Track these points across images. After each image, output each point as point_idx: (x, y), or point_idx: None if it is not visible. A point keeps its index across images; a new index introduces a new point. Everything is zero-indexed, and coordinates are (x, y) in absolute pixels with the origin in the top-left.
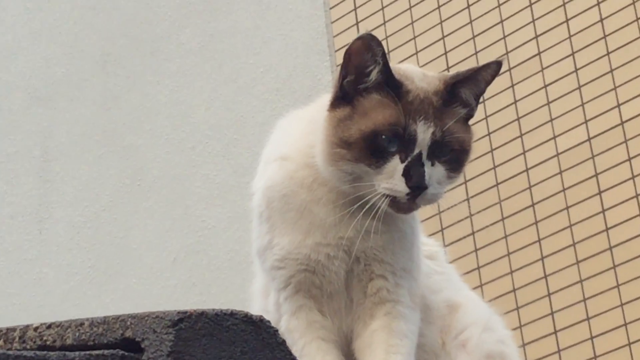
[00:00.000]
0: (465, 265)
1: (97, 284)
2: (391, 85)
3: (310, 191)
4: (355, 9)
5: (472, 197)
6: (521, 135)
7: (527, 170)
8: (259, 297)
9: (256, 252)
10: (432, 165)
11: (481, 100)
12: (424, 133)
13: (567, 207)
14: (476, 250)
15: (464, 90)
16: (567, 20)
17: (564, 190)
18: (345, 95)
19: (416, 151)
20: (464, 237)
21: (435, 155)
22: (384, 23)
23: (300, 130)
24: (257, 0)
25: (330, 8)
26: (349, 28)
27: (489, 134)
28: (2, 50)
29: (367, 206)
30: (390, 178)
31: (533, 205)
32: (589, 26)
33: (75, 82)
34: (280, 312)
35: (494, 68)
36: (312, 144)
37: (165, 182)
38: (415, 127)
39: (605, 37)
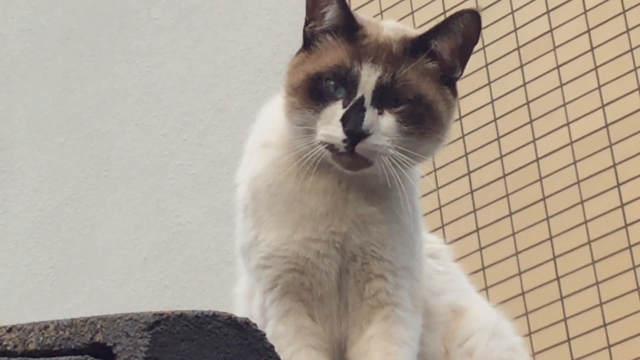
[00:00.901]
0: (469, 266)
1: (59, 286)
2: (348, 28)
3: (298, 179)
4: None
5: (475, 190)
6: (531, 122)
7: (537, 160)
8: (243, 300)
9: (240, 250)
10: (380, 114)
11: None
12: (368, 76)
13: (582, 201)
14: (481, 249)
15: (434, 42)
16: None
17: (578, 182)
18: (306, 42)
19: (358, 95)
20: (468, 235)
21: (384, 103)
22: None
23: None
24: None
25: None
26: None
27: (495, 120)
28: None
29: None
30: (329, 124)
31: (544, 199)
32: (606, 0)
33: (34, 60)
34: (265, 316)
35: (467, 17)
36: None
37: (135, 173)
38: (359, 69)
39: (624, 12)
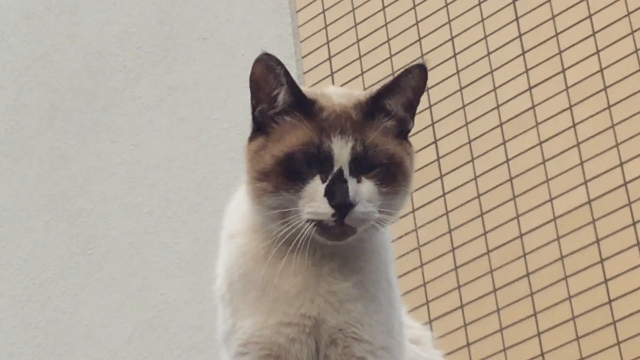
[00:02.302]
0: (454, 342)
1: None
2: (303, 105)
3: (268, 264)
4: (330, 63)
5: (460, 266)
6: (514, 198)
7: (521, 236)
8: None
9: (222, 338)
10: (359, 182)
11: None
12: (341, 148)
13: (566, 277)
14: (465, 325)
15: (388, 102)
16: (563, 71)
17: (562, 257)
18: (260, 126)
19: (336, 168)
20: (452, 311)
21: (360, 171)
22: (355, 26)
23: (247, 201)
24: (222, 48)
25: (303, 57)
26: (322, 80)
27: (478, 196)
28: None
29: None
30: (313, 201)
31: (528, 274)
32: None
33: (18, 139)
34: None
35: (417, 73)
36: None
37: (120, 251)
38: (330, 144)
39: (605, 89)
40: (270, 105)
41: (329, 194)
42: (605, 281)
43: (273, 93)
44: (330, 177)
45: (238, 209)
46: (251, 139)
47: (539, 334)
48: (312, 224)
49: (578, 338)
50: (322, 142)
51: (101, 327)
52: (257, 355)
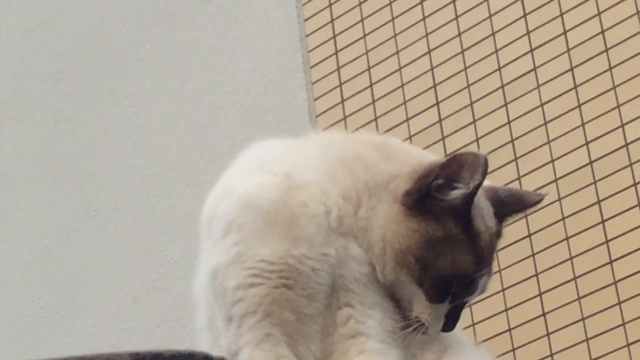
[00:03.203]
0: None
1: (49, 325)
2: (465, 214)
3: (305, 213)
4: (332, 21)
5: None
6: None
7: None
8: (205, 330)
9: (211, 272)
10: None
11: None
12: (482, 285)
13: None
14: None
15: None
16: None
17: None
18: (425, 200)
19: (467, 298)
20: None
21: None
22: (364, 36)
23: (321, 154)
24: (225, 12)
25: (305, 20)
26: (325, 42)
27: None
28: None
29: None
30: (431, 313)
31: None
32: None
33: (22, 102)
34: (239, 343)
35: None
36: (335, 176)
37: (124, 213)
38: (480, 280)
39: (607, 50)
40: (444, 188)
41: (448, 316)
42: (607, 242)
43: (455, 183)
44: (456, 303)
45: (308, 149)
46: (409, 204)
47: (540, 294)
48: (418, 322)
49: (579, 298)
50: (476, 278)
51: (106, 288)
52: (272, 284)
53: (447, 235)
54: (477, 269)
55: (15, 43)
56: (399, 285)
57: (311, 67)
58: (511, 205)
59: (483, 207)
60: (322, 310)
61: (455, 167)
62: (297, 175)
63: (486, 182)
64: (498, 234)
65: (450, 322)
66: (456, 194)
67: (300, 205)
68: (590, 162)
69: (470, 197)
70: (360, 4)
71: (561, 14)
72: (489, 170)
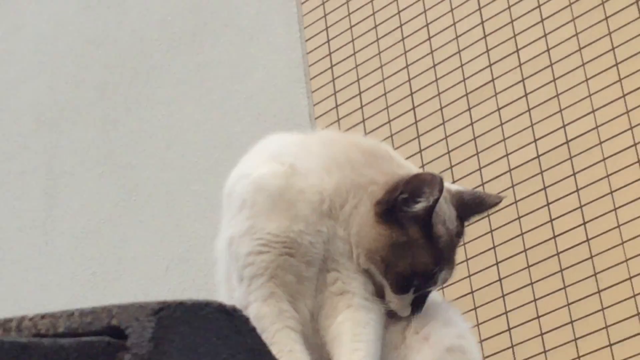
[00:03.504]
0: None
1: (98, 289)
2: (426, 223)
3: (304, 198)
4: (328, 41)
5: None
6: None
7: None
8: (223, 284)
9: (228, 239)
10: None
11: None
12: (442, 278)
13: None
14: None
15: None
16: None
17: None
18: (394, 210)
19: (429, 289)
20: None
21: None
22: (354, 54)
23: (319, 152)
24: (241, 34)
25: (306, 40)
26: (322, 59)
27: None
28: (13, 79)
29: None
30: (398, 302)
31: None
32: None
33: (77, 108)
34: (248, 299)
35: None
36: (329, 172)
37: (159, 198)
38: (439, 275)
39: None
40: (409, 201)
41: (414, 304)
42: (551, 220)
43: (418, 198)
44: (421, 292)
45: (309, 154)
46: (380, 214)
47: (525, 250)
48: (386, 310)
49: (529, 266)
50: (436, 272)
51: (143, 259)
52: (277, 253)
53: (410, 241)
54: (436, 266)
55: (71, 59)
56: (371, 273)
57: (311, 79)
58: (474, 207)
59: (444, 213)
60: (316, 273)
61: (417, 184)
62: (300, 167)
63: (454, 187)
64: (459, 234)
65: (416, 308)
66: (419, 207)
67: (300, 191)
68: (538, 156)
69: (430, 209)
70: (351, 27)
71: (514, 35)
72: (457, 165)
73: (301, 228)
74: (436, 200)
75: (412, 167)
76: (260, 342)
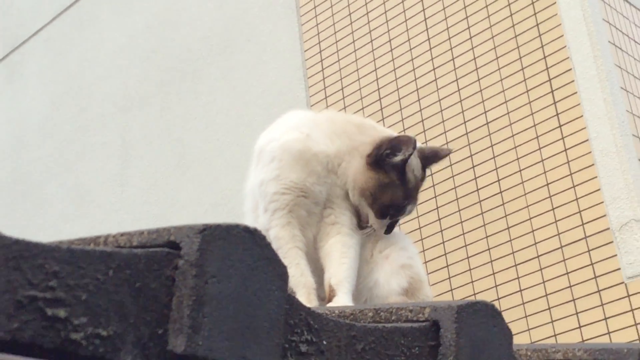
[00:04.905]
0: None
1: (158, 225)
2: (402, 170)
3: (316, 159)
4: (320, 52)
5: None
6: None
7: None
8: (249, 213)
9: (259, 182)
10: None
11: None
12: (408, 210)
13: None
14: None
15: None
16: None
17: None
18: (379, 160)
19: (399, 217)
20: None
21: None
22: (338, 60)
23: (325, 126)
24: (258, 45)
25: (305, 50)
26: (316, 64)
27: None
28: (98, 77)
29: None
30: (378, 224)
31: None
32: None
33: (143, 98)
34: (270, 224)
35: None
36: (332, 141)
37: (200, 161)
38: (407, 207)
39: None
40: (389, 155)
41: (389, 227)
42: (477, 189)
43: (396, 152)
44: (395, 219)
45: (318, 127)
46: (370, 163)
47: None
48: (370, 230)
49: (461, 221)
50: (406, 205)
51: (189, 205)
52: (295, 195)
53: (390, 182)
54: (406, 201)
55: (139, 63)
56: (360, 207)
57: (308, 78)
58: (432, 158)
59: (413, 164)
60: (321, 210)
61: (397, 143)
62: (313, 136)
63: (419, 144)
64: (422, 179)
65: (388, 229)
66: (397, 159)
67: (314, 154)
68: (467, 133)
69: (405, 161)
70: (336, 42)
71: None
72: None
73: (313, 180)
74: (410, 155)
75: (392, 132)
76: (274, 254)
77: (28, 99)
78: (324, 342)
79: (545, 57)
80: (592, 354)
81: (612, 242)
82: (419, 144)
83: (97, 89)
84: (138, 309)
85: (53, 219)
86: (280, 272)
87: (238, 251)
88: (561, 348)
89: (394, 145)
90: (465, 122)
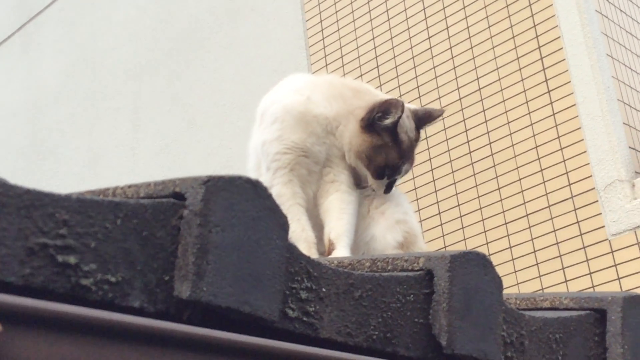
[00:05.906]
0: None
1: (176, 173)
2: (393, 132)
3: (316, 120)
4: (321, 21)
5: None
6: None
7: None
8: (253, 171)
9: (262, 141)
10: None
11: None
12: (404, 170)
13: None
14: None
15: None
16: None
17: None
18: (371, 124)
19: (396, 177)
20: None
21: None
22: (338, 30)
23: (325, 90)
24: (262, 16)
25: (307, 20)
26: (317, 33)
27: None
28: (110, 47)
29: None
30: (377, 184)
31: None
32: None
33: (153, 65)
34: (273, 182)
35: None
36: (331, 104)
37: (208, 125)
38: (403, 166)
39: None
40: (382, 117)
41: (387, 187)
42: (452, 172)
43: (387, 115)
44: (392, 179)
45: (318, 87)
46: (364, 126)
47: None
48: (368, 188)
49: (438, 202)
50: (401, 165)
51: (198, 166)
52: (296, 154)
53: (384, 144)
54: (401, 161)
55: (149, 32)
56: (358, 169)
57: (310, 47)
58: (425, 119)
59: (406, 125)
60: (320, 169)
61: (387, 106)
62: (313, 98)
63: (412, 106)
64: (417, 139)
65: (387, 189)
66: (388, 121)
67: (314, 116)
68: (460, 98)
69: (396, 122)
70: (336, 12)
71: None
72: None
73: (313, 141)
74: (399, 117)
75: (385, 95)
76: (275, 204)
77: (43, 68)
78: (323, 290)
79: (535, 26)
80: (577, 301)
81: (597, 201)
82: (412, 106)
83: (109, 57)
84: (145, 257)
85: (69, 181)
86: (281, 222)
87: (241, 201)
88: (548, 297)
89: (384, 108)
90: (458, 88)
